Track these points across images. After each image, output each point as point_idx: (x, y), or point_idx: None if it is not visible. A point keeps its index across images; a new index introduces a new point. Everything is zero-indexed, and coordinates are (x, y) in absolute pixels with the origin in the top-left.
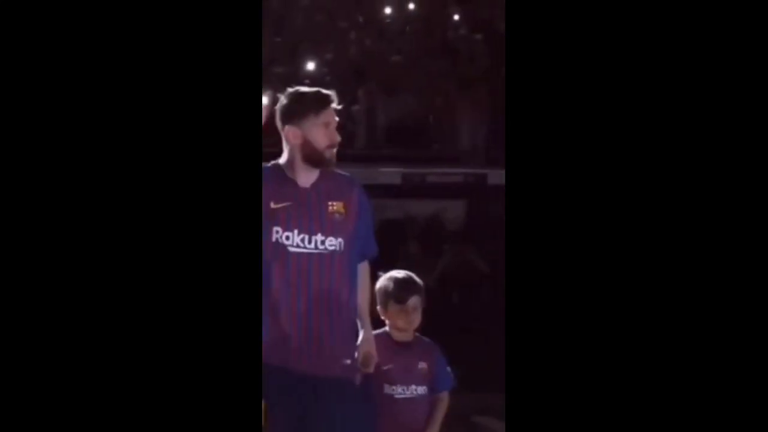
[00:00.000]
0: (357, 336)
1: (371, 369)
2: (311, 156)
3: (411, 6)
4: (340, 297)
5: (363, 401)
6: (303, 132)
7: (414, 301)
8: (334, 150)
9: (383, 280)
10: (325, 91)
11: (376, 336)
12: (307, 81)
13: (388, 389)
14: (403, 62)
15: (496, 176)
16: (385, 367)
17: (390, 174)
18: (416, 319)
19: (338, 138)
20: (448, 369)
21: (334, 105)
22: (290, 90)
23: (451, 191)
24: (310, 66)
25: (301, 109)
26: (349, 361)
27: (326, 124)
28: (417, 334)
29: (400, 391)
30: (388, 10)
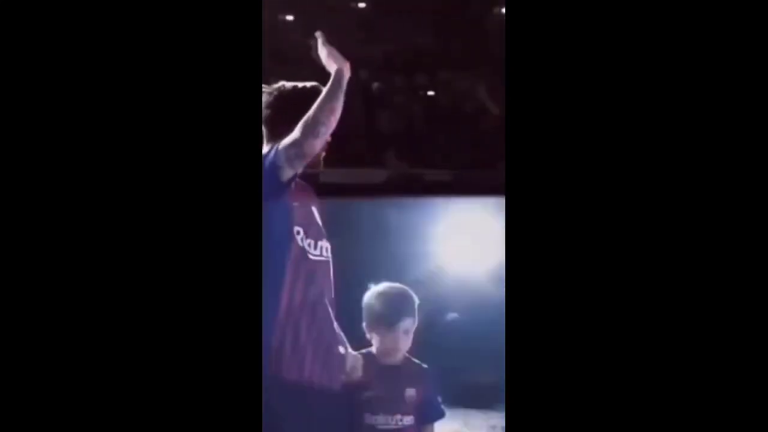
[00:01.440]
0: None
1: (360, 372)
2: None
3: None
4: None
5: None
6: None
7: (406, 324)
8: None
9: (372, 296)
10: (312, 84)
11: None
12: None
13: (369, 419)
14: None
15: (329, 175)
16: (367, 394)
17: None
18: (407, 342)
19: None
20: (439, 398)
21: None
22: (280, 87)
23: None
24: None
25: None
26: (344, 376)
27: None
28: (407, 355)
29: (382, 422)
30: None
